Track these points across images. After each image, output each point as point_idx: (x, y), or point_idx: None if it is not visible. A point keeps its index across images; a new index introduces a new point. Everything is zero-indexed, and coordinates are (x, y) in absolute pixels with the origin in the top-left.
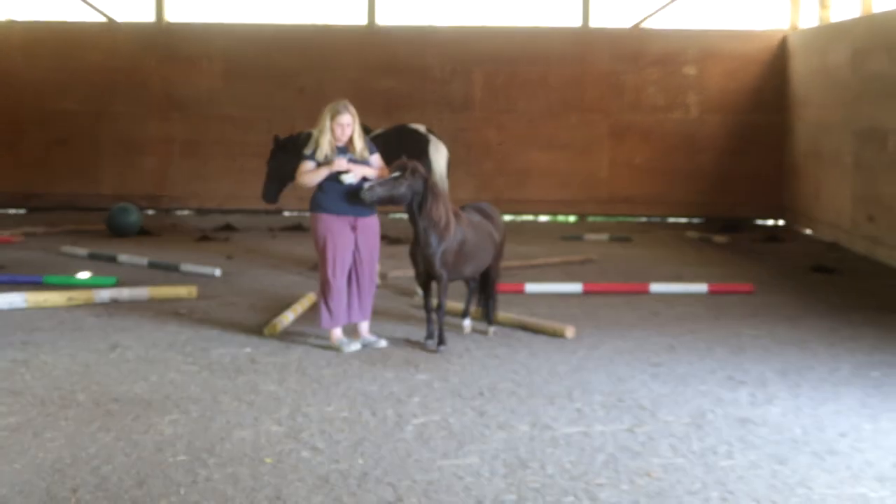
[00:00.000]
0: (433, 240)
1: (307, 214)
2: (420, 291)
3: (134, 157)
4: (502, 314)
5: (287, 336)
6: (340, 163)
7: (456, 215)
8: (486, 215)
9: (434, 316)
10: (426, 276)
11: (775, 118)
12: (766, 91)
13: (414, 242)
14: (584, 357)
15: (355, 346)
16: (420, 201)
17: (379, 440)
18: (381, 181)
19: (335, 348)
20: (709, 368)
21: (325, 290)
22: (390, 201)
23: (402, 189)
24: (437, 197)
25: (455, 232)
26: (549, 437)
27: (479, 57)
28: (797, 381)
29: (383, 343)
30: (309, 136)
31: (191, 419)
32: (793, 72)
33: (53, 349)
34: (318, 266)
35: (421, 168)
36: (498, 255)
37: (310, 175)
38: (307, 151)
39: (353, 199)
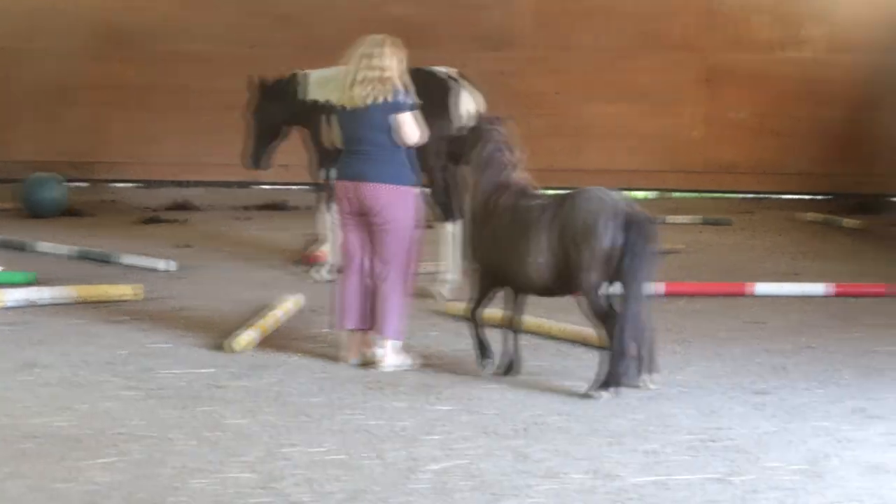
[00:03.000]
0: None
1: (292, 188)
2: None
3: (58, 110)
4: (550, 324)
5: (263, 352)
6: None
7: (504, 186)
8: (557, 205)
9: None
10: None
11: None
12: None
13: None
14: (663, 382)
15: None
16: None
17: (385, 492)
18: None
19: (398, 364)
20: (831, 397)
21: (406, 290)
22: None
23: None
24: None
25: (483, 202)
26: (614, 489)
27: None
28: None
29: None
30: (302, 78)
31: (132, 462)
32: None
33: None
34: (300, 256)
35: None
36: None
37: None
38: (413, 100)
39: None
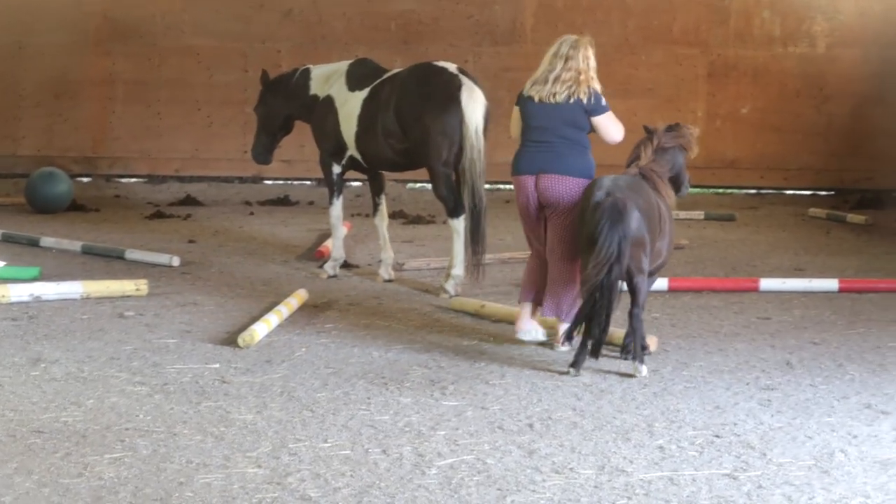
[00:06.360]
0: None
1: (294, 184)
2: None
3: (63, 105)
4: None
5: (268, 348)
6: None
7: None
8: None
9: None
10: None
11: None
12: None
13: None
14: (670, 378)
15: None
16: None
17: (392, 488)
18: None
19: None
20: (838, 393)
21: (575, 277)
22: None
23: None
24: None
25: None
26: (621, 485)
27: None
28: None
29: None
30: (306, 73)
31: (139, 458)
32: None
33: None
34: (300, 253)
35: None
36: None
37: None
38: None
39: None
